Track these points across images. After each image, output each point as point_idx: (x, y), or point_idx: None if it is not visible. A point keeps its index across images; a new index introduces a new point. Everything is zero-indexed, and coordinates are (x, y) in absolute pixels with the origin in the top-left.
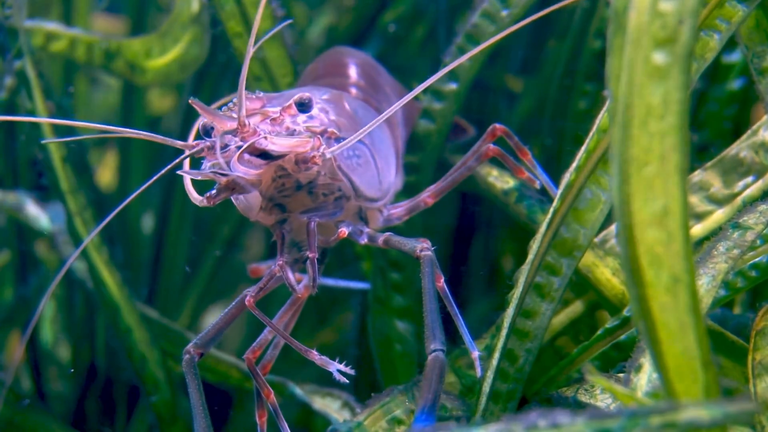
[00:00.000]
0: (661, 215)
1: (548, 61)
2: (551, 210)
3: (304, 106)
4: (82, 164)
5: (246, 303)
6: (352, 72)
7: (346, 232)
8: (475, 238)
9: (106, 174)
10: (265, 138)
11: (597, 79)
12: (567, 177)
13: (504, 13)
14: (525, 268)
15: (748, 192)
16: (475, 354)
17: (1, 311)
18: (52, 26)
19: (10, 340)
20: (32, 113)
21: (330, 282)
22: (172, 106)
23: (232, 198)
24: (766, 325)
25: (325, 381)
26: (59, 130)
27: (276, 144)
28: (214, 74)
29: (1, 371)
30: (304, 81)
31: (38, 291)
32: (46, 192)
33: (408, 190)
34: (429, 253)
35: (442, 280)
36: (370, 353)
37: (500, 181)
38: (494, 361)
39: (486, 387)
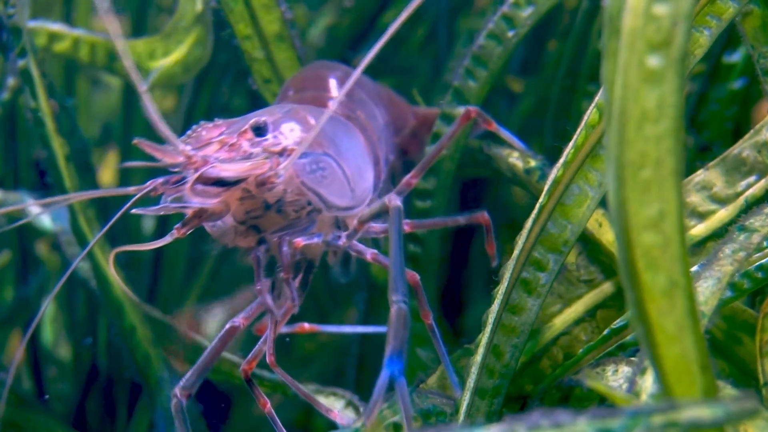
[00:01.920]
0: (657, 219)
1: (549, 61)
2: (537, 206)
3: (260, 130)
4: (85, 164)
5: (268, 362)
6: (332, 86)
7: (302, 243)
8: (476, 238)
9: (107, 174)
10: (214, 166)
11: (600, 79)
12: (554, 172)
13: (510, 33)
14: (510, 264)
15: (750, 191)
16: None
17: (1, 311)
18: (56, 27)
19: (10, 341)
20: (36, 112)
21: (347, 329)
22: (172, 106)
23: (205, 226)
24: None
25: (327, 381)
26: (62, 128)
27: (228, 170)
28: (215, 75)
29: (1, 371)
30: (284, 95)
31: (39, 291)
32: (48, 191)
33: (422, 216)
34: (397, 203)
35: (431, 317)
36: (372, 351)
37: (522, 161)
38: (479, 357)
39: (471, 383)
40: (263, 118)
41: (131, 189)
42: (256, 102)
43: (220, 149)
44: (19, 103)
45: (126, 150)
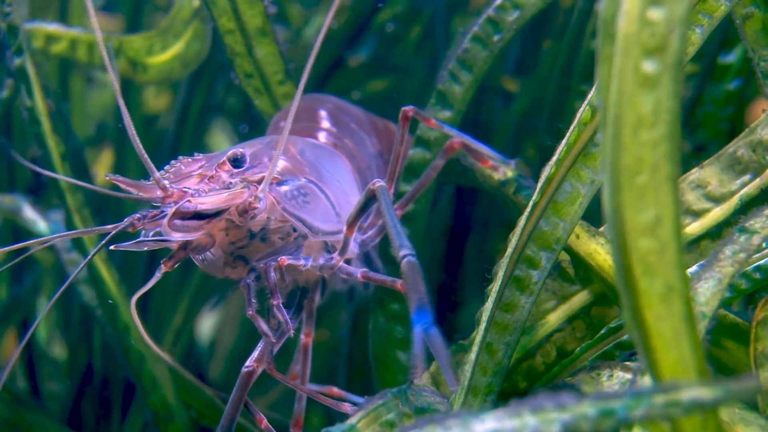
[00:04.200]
0: (653, 224)
1: (544, 61)
2: (531, 203)
3: (237, 161)
4: (79, 164)
5: (267, 370)
6: (321, 118)
7: (286, 260)
8: (471, 238)
9: (102, 172)
10: (190, 201)
11: (594, 79)
12: (547, 170)
13: (495, 37)
14: (504, 262)
15: (745, 190)
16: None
17: None
18: (53, 27)
19: (5, 339)
20: (32, 111)
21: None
22: (167, 104)
23: (194, 259)
24: (767, 315)
25: (320, 379)
26: (57, 127)
27: (205, 203)
28: (210, 73)
29: None
30: (275, 125)
31: (33, 290)
32: (43, 191)
33: (404, 220)
34: (381, 183)
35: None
36: (361, 351)
37: (498, 172)
38: (473, 355)
39: (465, 381)
40: (240, 150)
41: (109, 227)
42: (252, 102)
43: (200, 182)
44: (15, 102)
45: (120, 149)
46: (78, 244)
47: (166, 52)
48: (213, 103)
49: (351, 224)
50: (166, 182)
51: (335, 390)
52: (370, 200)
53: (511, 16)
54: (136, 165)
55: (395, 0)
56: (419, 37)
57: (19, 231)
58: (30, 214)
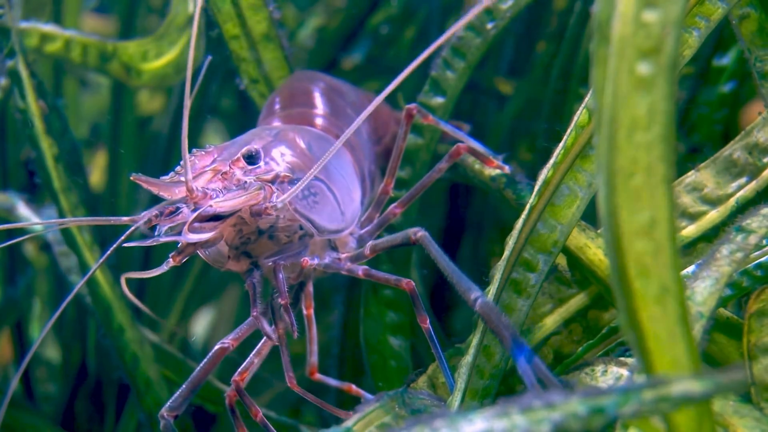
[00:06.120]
0: (648, 226)
1: (538, 63)
2: (528, 206)
3: (252, 158)
4: (76, 165)
5: (288, 384)
6: (318, 102)
7: (309, 261)
8: (464, 240)
9: (95, 174)
10: (211, 206)
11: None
12: (544, 173)
13: (489, 25)
14: (501, 265)
15: (741, 193)
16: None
17: None
18: (48, 27)
19: None
20: (25, 112)
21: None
22: (161, 106)
23: (199, 252)
24: (760, 308)
25: (315, 382)
26: (53, 128)
27: (224, 206)
28: (204, 76)
29: None
30: (270, 108)
31: (26, 291)
32: (37, 191)
33: (398, 221)
34: (423, 232)
35: (428, 321)
36: (352, 352)
37: (487, 167)
38: (469, 357)
39: (461, 383)
40: (255, 146)
41: (125, 219)
42: (245, 102)
43: (213, 178)
44: (9, 103)
45: (114, 151)
46: (70, 243)
47: (161, 59)
48: (207, 104)
49: (374, 251)
50: (192, 184)
51: (354, 388)
52: (405, 244)
53: (505, 4)
54: (130, 166)
55: (388, 3)
56: (413, 38)
57: (13, 229)
58: (24, 212)
